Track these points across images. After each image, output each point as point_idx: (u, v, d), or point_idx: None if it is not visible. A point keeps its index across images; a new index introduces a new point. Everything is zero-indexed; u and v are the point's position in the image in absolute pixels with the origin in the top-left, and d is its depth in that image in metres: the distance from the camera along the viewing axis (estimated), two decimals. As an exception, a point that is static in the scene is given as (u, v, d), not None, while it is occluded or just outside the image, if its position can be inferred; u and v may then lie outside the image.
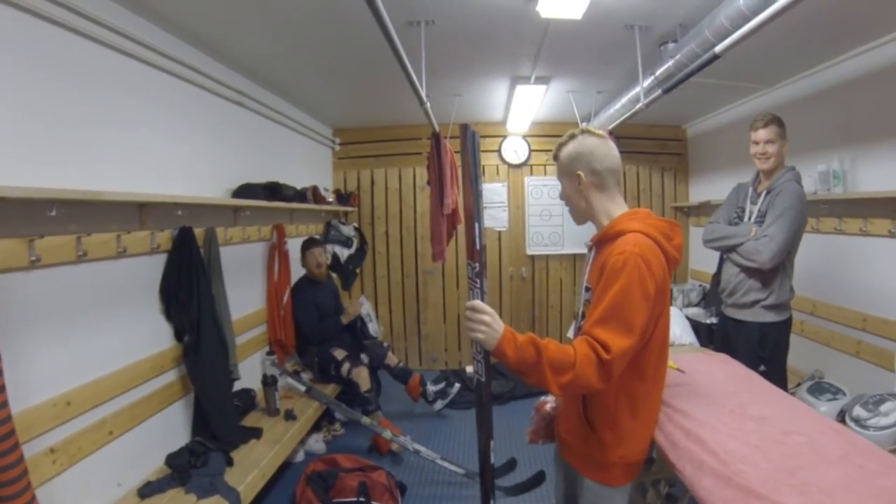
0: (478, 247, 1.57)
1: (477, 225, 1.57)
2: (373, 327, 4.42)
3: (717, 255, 4.38)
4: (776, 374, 2.50)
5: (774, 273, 2.52)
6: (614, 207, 1.62)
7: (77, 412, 2.03)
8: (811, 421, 1.78)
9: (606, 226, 1.59)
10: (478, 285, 1.53)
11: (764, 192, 2.61)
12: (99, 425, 2.13)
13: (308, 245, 4.19)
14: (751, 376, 2.24)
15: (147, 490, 2.24)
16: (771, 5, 1.78)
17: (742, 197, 2.78)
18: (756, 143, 2.60)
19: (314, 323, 4.01)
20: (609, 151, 1.61)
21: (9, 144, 1.80)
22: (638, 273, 1.40)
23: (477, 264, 1.54)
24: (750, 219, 2.66)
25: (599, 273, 1.50)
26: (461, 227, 5.28)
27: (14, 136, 1.82)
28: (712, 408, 1.85)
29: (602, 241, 1.60)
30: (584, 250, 1.77)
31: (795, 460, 1.50)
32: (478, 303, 1.44)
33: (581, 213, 1.67)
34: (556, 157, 1.68)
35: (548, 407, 2.02)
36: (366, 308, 4.43)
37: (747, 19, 2.03)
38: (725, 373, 2.28)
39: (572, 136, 1.63)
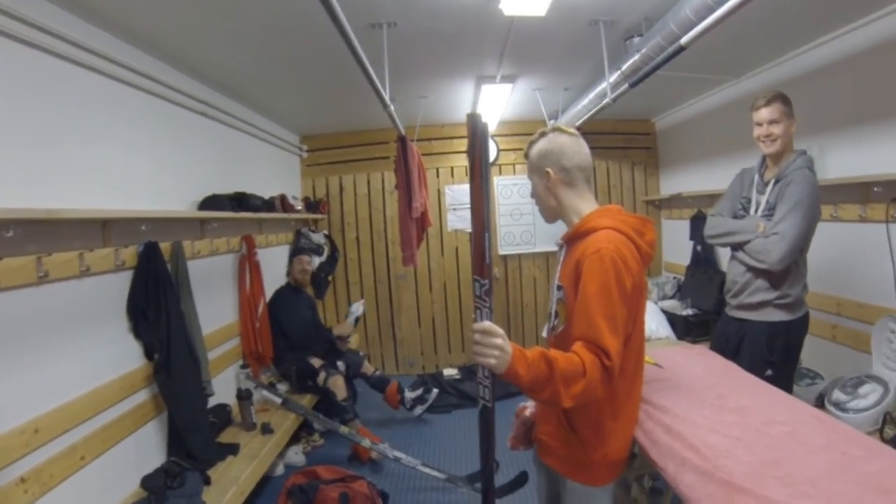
0: (487, 261, 1.34)
1: (487, 235, 1.33)
2: (351, 320, 4.50)
3: (689, 247, 4.53)
4: (783, 380, 2.29)
5: (785, 271, 2.28)
6: (584, 205, 1.62)
7: (46, 438, 1.95)
8: (792, 409, 1.79)
9: (577, 223, 1.59)
10: (486, 304, 1.33)
11: (773, 181, 2.35)
12: (70, 451, 2.06)
13: (295, 252, 4.36)
14: (728, 367, 2.25)
15: (122, 514, 2.17)
16: None
17: (747, 185, 2.51)
18: (759, 124, 2.34)
19: (302, 333, 4.04)
20: (579, 149, 1.62)
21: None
22: (615, 270, 1.40)
23: (486, 281, 1.33)
24: (757, 211, 2.41)
25: (573, 271, 1.49)
26: (432, 231, 5.30)
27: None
28: (692, 402, 1.86)
29: (573, 239, 1.59)
30: (557, 248, 1.77)
31: (778, 451, 1.50)
32: (488, 324, 1.29)
33: (551, 211, 1.67)
34: (526, 156, 1.68)
35: (527, 412, 1.99)
36: (358, 307, 4.59)
37: (712, 10, 2.03)
38: (703, 365, 2.30)
39: (543, 134, 1.64)
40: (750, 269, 2.37)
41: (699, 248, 4.38)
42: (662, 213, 5.60)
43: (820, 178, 3.00)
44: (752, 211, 2.44)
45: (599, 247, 1.43)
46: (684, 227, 4.70)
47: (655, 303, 4.43)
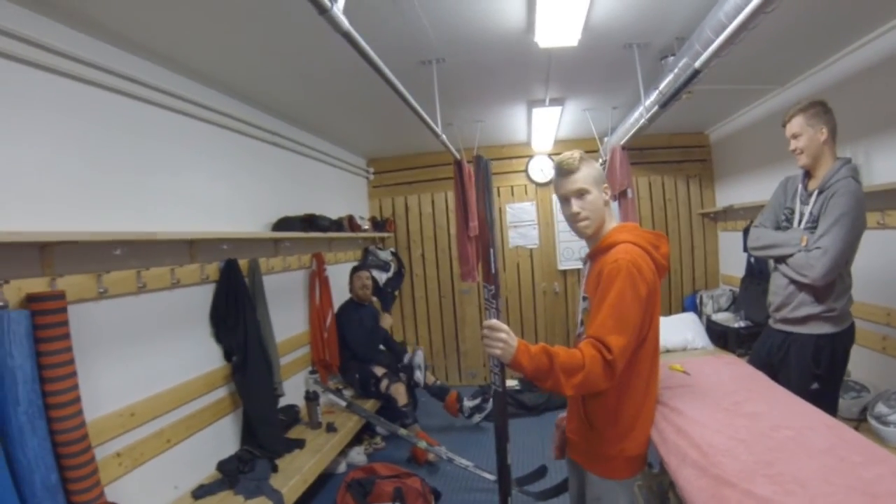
0: (493, 270, 1.75)
1: (492, 250, 1.77)
2: (419, 375, 4.57)
3: (745, 259, 4.46)
4: (829, 393, 2.26)
5: (830, 285, 2.22)
6: (610, 222, 1.80)
7: (140, 422, 2.32)
8: (804, 416, 1.81)
9: (601, 239, 1.76)
10: (494, 305, 1.69)
11: (816, 192, 2.28)
12: (158, 434, 2.43)
13: (354, 269, 4.60)
14: (755, 376, 2.28)
15: (200, 492, 2.51)
16: (740, 13, 1.84)
17: (791, 195, 2.45)
18: (789, 139, 2.36)
19: (365, 344, 4.30)
20: None
21: (75, 194, 2.14)
22: (631, 279, 1.58)
23: (493, 287, 1.72)
24: (800, 223, 2.34)
25: (596, 282, 1.67)
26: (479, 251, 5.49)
27: (80, 186, 2.16)
28: (707, 406, 1.93)
29: (597, 254, 1.77)
30: (581, 265, 1.94)
31: (777, 453, 1.56)
32: (494, 321, 1.56)
33: (597, 224, 1.77)
34: (574, 170, 1.74)
35: (566, 423, 2.09)
36: (419, 358, 4.65)
37: (725, 28, 2.01)
38: (730, 374, 2.33)
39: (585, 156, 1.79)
40: (793, 282, 2.31)
41: (753, 259, 4.31)
42: (718, 226, 5.53)
43: (866, 184, 2.83)
44: (795, 222, 2.38)
45: (618, 258, 1.62)
46: (740, 238, 4.61)
47: (710, 315, 4.40)
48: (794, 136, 2.32)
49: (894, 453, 1.54)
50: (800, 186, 2.40)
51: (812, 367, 2.27)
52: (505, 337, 1.51)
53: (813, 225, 2.26)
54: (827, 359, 2.26)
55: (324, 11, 1.42)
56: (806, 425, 1.74)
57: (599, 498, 1.79)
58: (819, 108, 2.28)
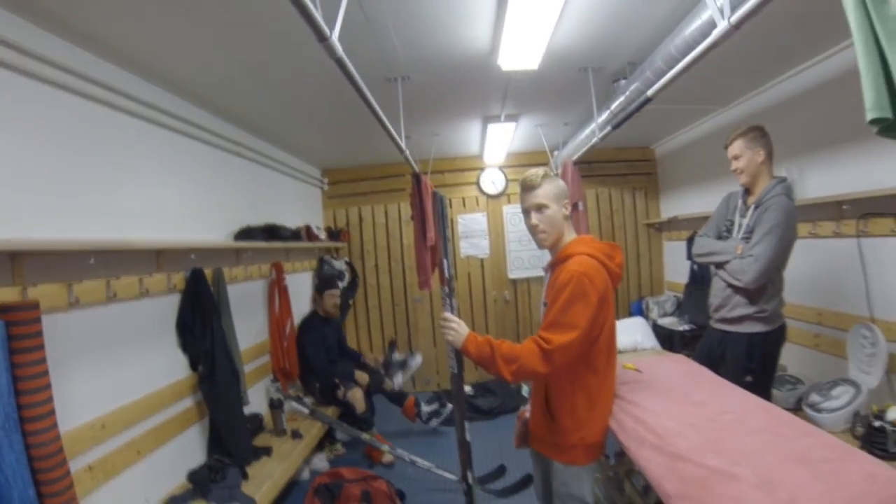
0: (447, 275, 2.32)
1: (445, 261, 2.45)
2: (398, 380, 4.66)
3: (688, 266, 4.78)
4: (762, 384, 2.49)
5: (762, 288, 2.47)
6: (569, 235, 2.00)
7: (110, 434, 2.31)
8: (743, 402, 2.08)
9: (560, 250, 1.96)
10: (449, 302, 2.15)
11: (753, 206, 2.54)
12: (129, 446, 2.41)
13: (326, 286, 4.59)
14: (700, 371, 2.55)
15: (172, 503, 2.50)
16: (692, 51, 2.04)
17: (732, 209, 2.72)
18: (730, 160, 2.63)
19: (324, 364, 4.33)
20: None
21: (45, 202, 2.10)
22: (581, 286, 1.78)
23: (447, 287, 2.27)
24: (738, 233, 2.60)
25: (554, 290, 1.87)
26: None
27: (49, 194, 2.13)
28: (659, 398, 2.17)
29: (556, 263, 1.97)
30: (543, 273, 2.18)
31: (722, 433, 1.81)
32: (447, 314, 1.99)
33: (555, 237, 1.97)
34: (535, 186, 1.95)
35: (527, 414, 2.28)
36: (416, 362, 4.83)
37: (677, 61, 2.24)
38: (678, 370, 2.60)
39: (547, 172, 1.98)
40: (730, 285, 2.56)
41: (696, 267, 4.61)
42: (663, 235, 5.86)
43: (800, 198, 3.17)
44: (734, 233, 2.64)
45: (572, 269, 1.82)
46: (683, 247, 4.92)
47: (657, 318, 4.69)
48: (735, 158, 2.60)
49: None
50: (739, 202, 2.68)
51: (746, 362, 2.53)
52: (455, 325, 1.92)
53: (748, 235, 2.51)
54: (759, 355, 2.53)
55: (323, 39, 1.51)
56: (746, 409, 2.00)
57: (566, 483, 1.96)
58: (757, 133, 2.56)
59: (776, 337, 2.58)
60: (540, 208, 1.95)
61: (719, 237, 2.74)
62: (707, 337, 2.85)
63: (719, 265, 2.65)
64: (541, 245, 2.02)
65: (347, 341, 5.26)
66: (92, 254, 2.21)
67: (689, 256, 4.72)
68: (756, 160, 2.55)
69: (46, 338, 1.90)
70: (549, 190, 1.94)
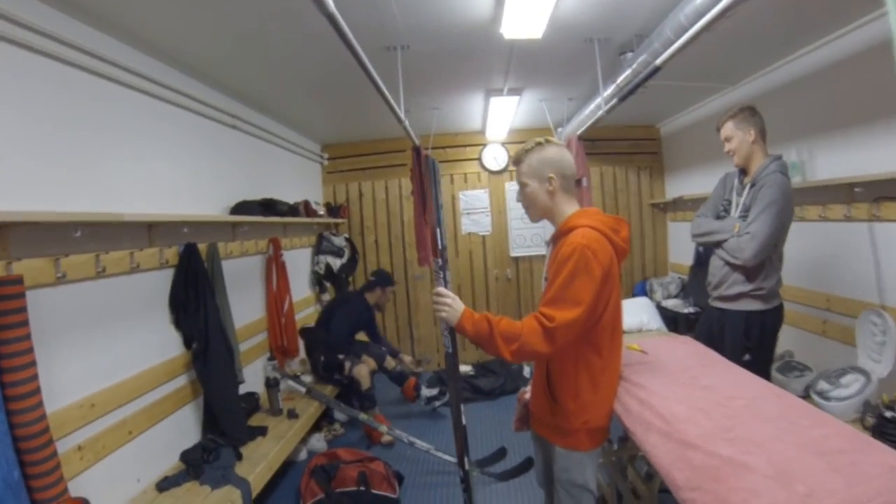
0: (440, 246, 2.10)
1: (438, 230, 2.17)
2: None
3: (692, 248, 4.70)
4: (760, 363, 2.48)
5: (759, 266, 2.48)
6: (570, 208, 1.87)
7: (100, 413, 2.24)
8: (754, 387, 1.99)
9: (561, 223, 1.84)
10: (442, 276, 1.96)
11: (749, 185, 2.56)
12: (120, 425, 2.35)
13: (391, 282, 4.67)
14: (707, 353, 2.46)
15: (164, 484, 2.45)
16: (703, 17, 1.97)
17: (729, 188, 2.73)
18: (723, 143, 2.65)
19: (343, 338, 4.27)
20: (571, 160, 1.88)
21: (31, 172, 2.02)
22: (584, 259, 1.65)
23: (440, 260, 2.02)
24: (736, 211, 2.62)
25: (556, 264, 1.74)
26: (447, 234, 5.56)
27: (36, 165, 2.05)
28: (666, 380, 2.08)
29: (558, 237, 1.85)
30: (545, 247, 2.05)
31: (734, 419, 1.72)
32: (441, 289, 1.81)
33: (543, 211, 1.89)
34: (518, 162, 1.89)
35: (527, 396, 2.20)
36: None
37: (688, 31, 2.19)
38: (684, 352, 2.51)
39: (539, 144, 1.86)
40: (727, 264, 2.57)
41: (701, 249, 4.49)
42: (668, 216, 5.77)
43: (809, 180, 3.13)
44: (731, 211, 2.64)
45: (573, 241, 1.69)
46: (688, 228, 4.81)
47: (661, 300, 4.61)
48: (727, 140, 2.60)
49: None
50: (736, 181, 2.68)
51: (744, 341, 2.53)
52: (450, 301, 1.76)
53: (745, 214, 2.52)
54: (757, 333, 2.53)
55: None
56: (756, 395, 1.90)
57: (567, 469, 1.88)
58: (747, 113, 2.55)
59: (774, 317, 2.57)
60: (522, 185, 1.89)
61: (717, 217, 2.74)
62: (706, 316, 2.85)
63: (717, 244, 2.65)
64: (531, 219, 1.97)
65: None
66: (79, 226, 2.11)
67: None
68: (748, 140, 2.55)
69: (32, 314, 1.84)
70: (529, 166, 1.85)
